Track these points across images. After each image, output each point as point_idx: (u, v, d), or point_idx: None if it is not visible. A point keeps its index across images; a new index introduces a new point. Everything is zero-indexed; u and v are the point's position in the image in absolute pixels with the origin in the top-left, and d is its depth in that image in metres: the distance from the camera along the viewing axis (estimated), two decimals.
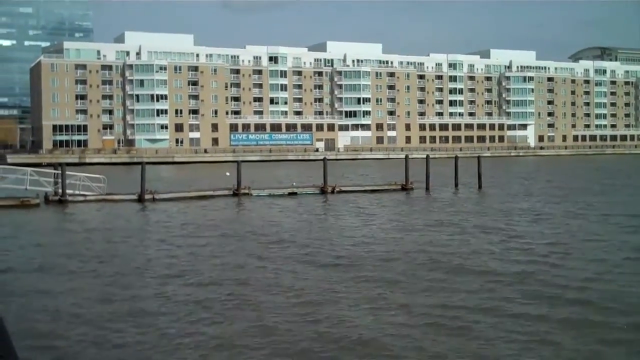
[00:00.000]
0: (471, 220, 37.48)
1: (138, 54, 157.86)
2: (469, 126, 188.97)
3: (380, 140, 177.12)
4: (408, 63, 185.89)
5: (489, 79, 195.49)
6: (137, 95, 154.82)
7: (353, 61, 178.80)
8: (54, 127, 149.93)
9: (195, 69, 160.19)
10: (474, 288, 20.34)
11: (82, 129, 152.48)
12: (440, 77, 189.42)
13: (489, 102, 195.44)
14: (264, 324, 16.74)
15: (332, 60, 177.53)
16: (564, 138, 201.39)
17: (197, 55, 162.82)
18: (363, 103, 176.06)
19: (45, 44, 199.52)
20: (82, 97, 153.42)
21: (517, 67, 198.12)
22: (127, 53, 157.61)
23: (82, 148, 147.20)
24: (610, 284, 20.71)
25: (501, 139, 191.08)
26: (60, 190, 48.30)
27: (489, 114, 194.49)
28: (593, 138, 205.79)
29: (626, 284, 20.68)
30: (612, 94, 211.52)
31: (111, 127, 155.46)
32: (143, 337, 16.00)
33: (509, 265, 24.01)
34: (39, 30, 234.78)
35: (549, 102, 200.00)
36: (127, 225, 37.06)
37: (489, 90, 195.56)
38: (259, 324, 16.82)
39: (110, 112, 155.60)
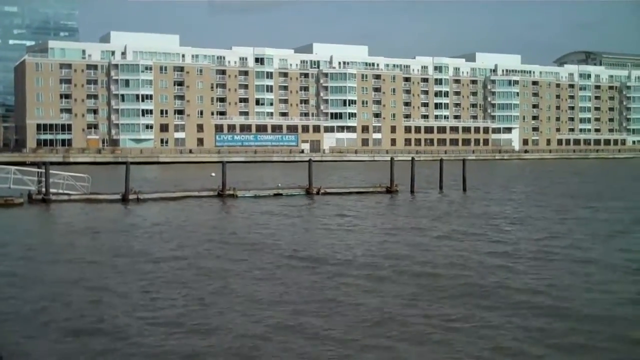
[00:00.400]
0: (452, 224, 37.58)
1: (123, 53, 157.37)
2: (454, 129, 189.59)
3: (365, 142, 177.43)
4: (394, 65, 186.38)
5: (474, 82, 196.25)
6: (123, 95, 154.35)
7: (339, 63, 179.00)
8: (38, 126, 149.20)
9: (181, 69, 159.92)
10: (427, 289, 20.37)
11: (67, 128, 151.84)
12: (425, 80, 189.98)
13: (474, 106, 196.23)
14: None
15: (318, 62, 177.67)
16: (548, 142, 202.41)
17: (183, 56, 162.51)
18: (349, 105, 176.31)
19: (30, 43, 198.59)
20: (67, 96, 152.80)
21: (503, 70, 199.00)
22: (113, 53, 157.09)
23: (67, 147, 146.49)
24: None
25: (486, 142, 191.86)
26: (43, 189, 48.02)
27: (474, 117, 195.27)
28: (577, 142, 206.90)
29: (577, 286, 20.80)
30: (597, 98, 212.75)
31: (96, 126, 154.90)
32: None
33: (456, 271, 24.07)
34: (23, 29, 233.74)
35: (534, 106, 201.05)
36: (110, 226, 36.87)
37: (474, 94, 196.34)
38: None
39: (95, 111, 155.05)
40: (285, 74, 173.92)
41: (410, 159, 64.30)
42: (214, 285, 21.10)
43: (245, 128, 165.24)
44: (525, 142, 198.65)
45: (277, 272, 23.24)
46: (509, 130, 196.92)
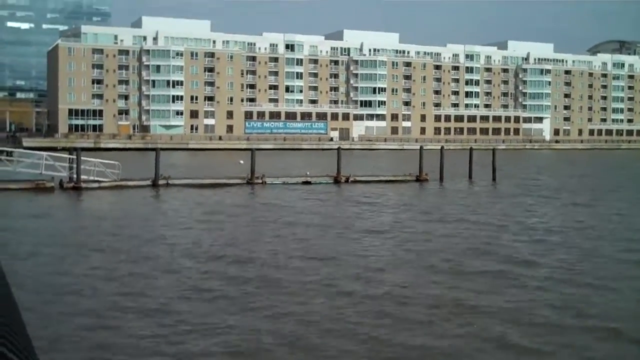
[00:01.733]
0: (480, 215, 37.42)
1: (155, 39, 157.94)
2: (484, 118, 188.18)
3: (395, 130, 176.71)
4: (425, 53, 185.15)
5: (505, 70, 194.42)
6: (153, 81, 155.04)
7: (370, 50, 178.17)
8: (70, 111, 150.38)
9: (212, 55, 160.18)
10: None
11: (98, 113, 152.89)
12: (456, 68, 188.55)
13: (505, 94, 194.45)
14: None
15: (348, 49, 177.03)
16: (580, 132, 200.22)
17: (214, 42, 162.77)
18: (378, 93, 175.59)
19: (63, 27, 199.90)
20: (99, 81, 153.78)
21: (535, 59, 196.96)
22: (144, 38, 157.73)
23: (97, 133, 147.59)
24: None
25: (516, 131, 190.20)
26: (75, 177, 48.41)
27: (505, 106, 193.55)
28: (609, 132, 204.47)
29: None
30: (630, 88, 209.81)
31: (127, 112, 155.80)
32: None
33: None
34: (56, 14, 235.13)
35: (566, 96, 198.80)
36: (141, 212, 37.17)
37: (506, 82, 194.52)
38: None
39: (126, 97, 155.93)
40: (315, 61, 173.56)
41: (439, 148, 64.03)
42: None
43: (274, 115, 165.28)
44: (556, 132, 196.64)
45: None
46: (540, 119, 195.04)
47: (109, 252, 25.02)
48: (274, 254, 24.76)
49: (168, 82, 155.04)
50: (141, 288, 19.52)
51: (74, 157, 49.09)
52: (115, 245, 26.43)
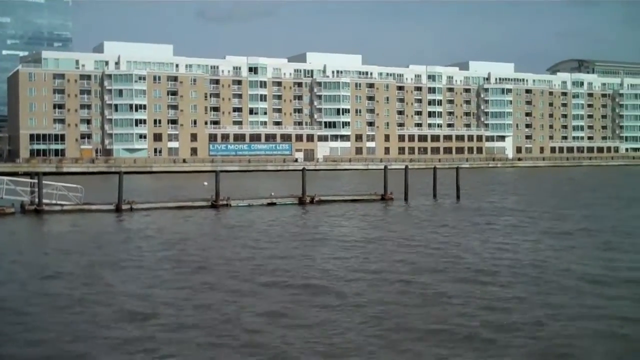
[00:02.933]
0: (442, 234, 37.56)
1: (117, 63, 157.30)
2: (447, 137, 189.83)
3: (359, 151, 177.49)
4: (387, 74, 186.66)
5: (467, 90, 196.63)
6: (116, 105, 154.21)
7: (333, 72, 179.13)
8: (31, 136, 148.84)
9: (175, 79, 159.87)
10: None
11: (60, 138, 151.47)
12: (419, 89, 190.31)
13: (467, 114, 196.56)
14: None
15: (311, 71, 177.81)
16: (542, 149, 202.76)
17: (177, 66, 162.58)
18: (342, 114, 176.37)
19: (23, 53, 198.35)
20: (60, 106, 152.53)
21: (496, 79, 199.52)
22: (106, 63, 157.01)
23: (60, 157, 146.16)
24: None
25: (479, 150, 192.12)
26: (36, 200, 47.77)
27: (468, 126, 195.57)
28: (570, 150, 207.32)
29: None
30: (589, 106, 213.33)
31: (89, 136, 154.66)
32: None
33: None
34: (17, 40, 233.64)
35: (527, 114, 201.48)
36: (102, 238, 36.74)
37: (468, 102, 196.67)
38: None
39: (89, 121, 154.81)
40: (279, 83, 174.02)
41: (404, 167, 64.37)
42: None
43: (238, 137, 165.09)
44: (518, 149, 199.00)
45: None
46: (502, 138, 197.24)
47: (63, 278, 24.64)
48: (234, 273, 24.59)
49: (131, 105, 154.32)
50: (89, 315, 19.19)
51: (36, 181, 48.51)
52: (70, 270, 26.07)
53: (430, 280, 23.20)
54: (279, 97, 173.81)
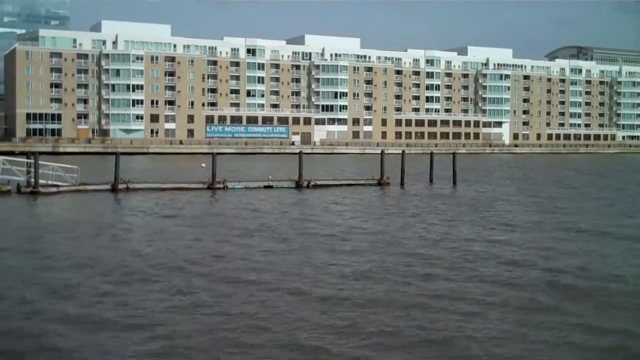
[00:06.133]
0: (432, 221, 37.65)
1: (115, 43, 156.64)
2: (444, 122, 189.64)
3: (356, 135, 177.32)
4: (386, 58, 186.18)
5: (465, 75, 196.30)
6: (113, 85, 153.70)
7: (331, 55, 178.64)
8: (28, 115, 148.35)
9: (172, 59, 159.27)
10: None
11: (57, 117, 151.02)
12: (417, 73, 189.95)
13: (465, 99, 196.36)
14: None
15: (310, 53, 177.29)
16: (539, 136, 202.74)
17: (175, 46, 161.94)
18: (340, 97, 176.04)
19: (20, 31, 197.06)
20: (57, 85, 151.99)
21: (494, 64, 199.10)
22: (104, 42, 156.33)
23: (56, 137, 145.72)
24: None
25: (476, 136, 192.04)
26: (32, 181, 47.53)
27: (465, 111, 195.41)
28: (567, 137, 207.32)
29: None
30: (587, 93, 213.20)
31: (86, 116, 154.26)
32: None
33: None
34: (14, 17, 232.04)
35: (525, 100, 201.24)
36: (98, 219, 36.74)
37: (466, 87, 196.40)
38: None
39: (85, 101, 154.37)
40: (276, 66, 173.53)
41: (400, 152, 64.41)
42: None
43: (236, 119, 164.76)
44: (515, 136, 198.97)
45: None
46: (499, 124, 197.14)
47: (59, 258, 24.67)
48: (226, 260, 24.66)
49: (128, 86, 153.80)
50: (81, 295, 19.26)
51: (32, 161, 48.26)
52: (64, 250, 26.11)
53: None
54: (277, 79, 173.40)
